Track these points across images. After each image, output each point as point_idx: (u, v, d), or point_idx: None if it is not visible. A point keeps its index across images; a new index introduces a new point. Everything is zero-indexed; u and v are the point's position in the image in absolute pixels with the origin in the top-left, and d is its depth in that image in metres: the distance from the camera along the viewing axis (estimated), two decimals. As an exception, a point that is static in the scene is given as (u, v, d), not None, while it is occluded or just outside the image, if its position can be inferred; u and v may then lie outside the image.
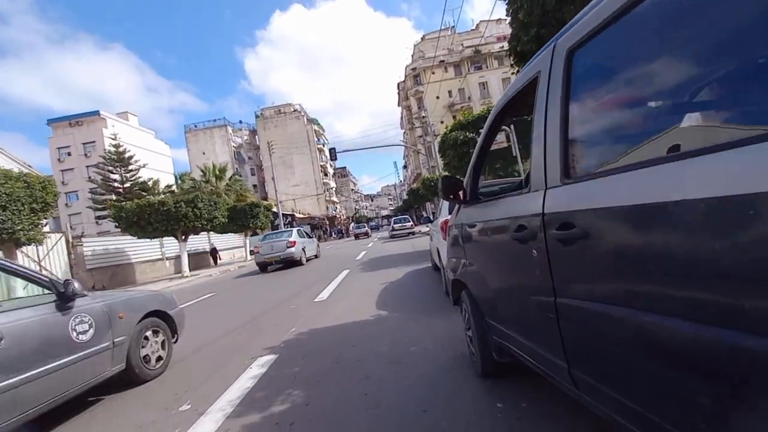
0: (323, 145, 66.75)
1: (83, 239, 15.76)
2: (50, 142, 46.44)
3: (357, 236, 35.71)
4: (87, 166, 42.54)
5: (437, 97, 47.35)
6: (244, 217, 21.54)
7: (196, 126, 64.54)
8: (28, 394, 2.27)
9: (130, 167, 31.94)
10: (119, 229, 15.68)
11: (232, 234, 24.58)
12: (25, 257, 13.37)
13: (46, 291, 2.74)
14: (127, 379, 3.23)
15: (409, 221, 25.50)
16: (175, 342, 3.87)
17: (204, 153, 60.59)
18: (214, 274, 16.52)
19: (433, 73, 47.16)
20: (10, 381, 2.16)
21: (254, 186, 64.54)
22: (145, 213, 15.15)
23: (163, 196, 20.08)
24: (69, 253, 15.12)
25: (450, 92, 48.11)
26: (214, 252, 24.12)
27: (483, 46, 47.33)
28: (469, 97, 48.92)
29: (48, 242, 14.37)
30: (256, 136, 65.59)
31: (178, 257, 20.96)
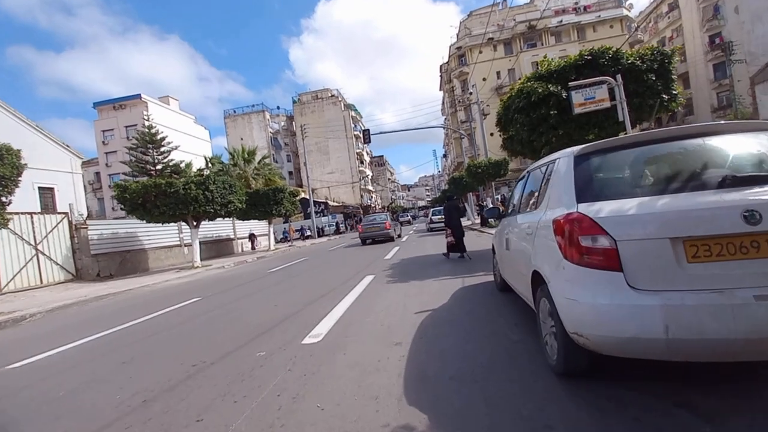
0: (360, 132, 64.54)
1: (89, 222, 14.36)
2: (95, 125, 47.60)
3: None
4: (127, 149, 43.12)
5: (484, 79, 43.39)
6: (266, 203, 19.62)
7: (235, 111, 64.64)
8: None
9: (162, 149, 31.23)
10: (124, 212, 14.15)
11: (255, 221, 22.87)
12: (19, 240, 12.01)
13: None
14: None
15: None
16: None
17: (242, 138, 60.30)
18: (227, 265, 14.64)
19: (481, 52, 42.98)
20: None
21: (290, 173, 63.83)
22: (151, 195, 13.42)
23: (174, 178, 18.51)
24: (72, 237, 13.75)
25: (498, 73, 43.94)
26: (252, 237, 24.63)
27: (539, 20, 42.58)
28: (520, 79, 44.36)
29: (47, 224, 13.00)
30: (293, 122, 64.53)
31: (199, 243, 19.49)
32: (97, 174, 49.26)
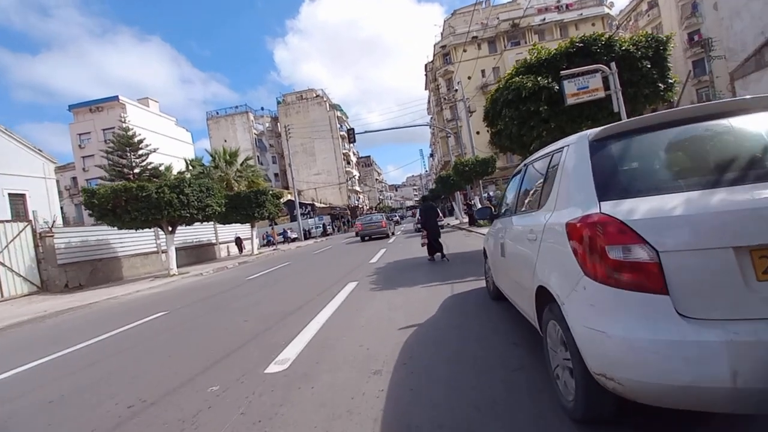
0: (346, 132, 63.92)
1: (54, 230, 13.44)
2: (71, 129, 45.83)
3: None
4: (104, 152, 41.71)
5: (468, 77, 43.31)
6: (248, 206, 18.88)
7: (218, 113, 63.27)
8: None
9: (140, 151, 30.09)
10: (93, 218, 13.27)
11: (239, 225, 22.06)
12: (-26, 251, 11.09)
13: None
14: None
15: (438, 213, 22.08)
16: None
17: (225, 141, 58.94)
18: (205, 272, 13.90)
19: (465, 50, 42.83)
20: None
21: (276, 174, 62.78)
22: (122, 199, 12.61)
23: (153, 181, 17.66)
24: (36, 246, 12.84)
25: (483, 72, 43.83)
26: (239, 241, 24.34)
27: (522, 19, 42.60)
28: (509, 70, 44.39)
29: (8, 233, 12.09)
30: (278, 123, 63.48)
31: (178, 249, 18.65)
32: (74, 179, 47.52)
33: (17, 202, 24.26)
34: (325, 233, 38.78)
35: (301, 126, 56.62)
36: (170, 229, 14.19)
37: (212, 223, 21.03)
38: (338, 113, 63.80)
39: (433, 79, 48.61)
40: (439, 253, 8.62)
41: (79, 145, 45.71)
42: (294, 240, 34.08)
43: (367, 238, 19.47)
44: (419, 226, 21.57)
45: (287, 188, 50.47)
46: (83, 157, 45.44)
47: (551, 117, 6.53)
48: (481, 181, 19.44)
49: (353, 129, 22.59)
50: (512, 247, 2.93)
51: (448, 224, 23.58)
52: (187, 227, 17.97)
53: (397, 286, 6.14)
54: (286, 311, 5.32)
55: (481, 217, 4.16)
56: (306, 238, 34.93)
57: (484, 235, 12.54)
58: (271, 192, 20.75)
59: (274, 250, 23.38)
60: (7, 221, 12.42)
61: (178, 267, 17.81)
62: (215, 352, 3.82)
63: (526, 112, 6.64)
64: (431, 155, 75.37)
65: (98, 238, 14.91)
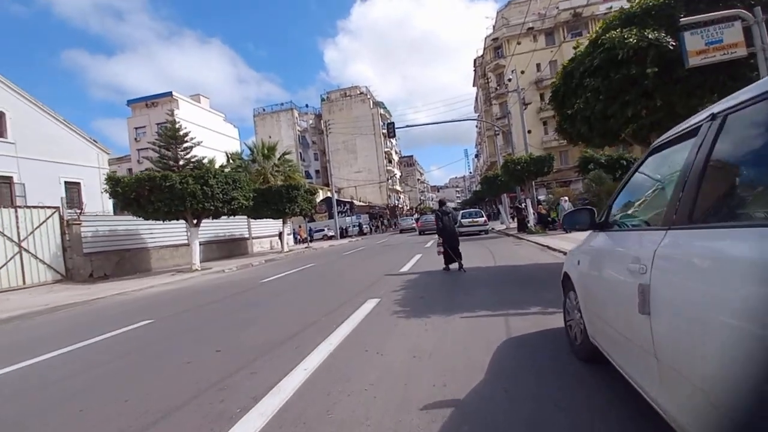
0: (386, 127, 62.77)
1: (82, 218, 13.20)
2: (128, 123, 48.42)
3: (422, 232, 26.38)
4: (151, 144, 43.73)
5: (522, 72, 40.33)
6: (279, 201, 18.01)
7: (264, 110, 64.60)
8: None
9: (185, 144, 30.58)
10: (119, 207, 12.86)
11: (271, 220, 21.35)
12: (0, 236, 10.89)
13: None
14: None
15: (482, 216, 20.02)
16: None
17: (270, 137, 59.97)
18: (228, 269, 13.06)
19: (519, 43, 39.88)
20: None
21: (317, 171, 63.00)
22: (145, 189, 12.03)
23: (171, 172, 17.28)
24: (63, 234, 12.61)
25: (538, 65, 40.66)
26: (281, 236, 23.41)
27: (585, 7, 38.95)
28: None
29: (34, 219, 11.88)
30: (322, 121, 63.67)
31: (206, 243, 18.22)
32: (130, 170, 50.17)
33: (72, 190, 25.26)
34: (361, 232, 37.71)
35: (344, 123, 56.18)
36: (195, 221, 13.52)
37: (245, 217, 20.50)
38: (381, 111, 62.70)
39: (482, 74, 45.99)
40: (456, 263, 7.75)
41: (135, 138, 48.17)
42: (330, 238, 33.30)
43: (426, 231, 24.75)
44: (462, 229, 19.80)
45: (327, 185, 50.17)
46: (138, 150, 47.78)
47: (657, 88, 4.61)
48: (534, 183, 17.20)
49: (393, 123, 21.18)
50: (675, 293, 1.27)
51: (493, 229, 21.42)
52: (219, 221, 17.42)
53: (428, 311, 4.54)
54: (276, 341, 3.91)
55: (572, 223, 2.47)
56: (342, 237, 34.01)
57: (540, 245, 10.50)
58: (304, 187, 19.78)
59: (306, 247, 22.50)
60: (34, 207, 12.26)
61: (205, 261, 17.32)
62: (143, 411, 2.46)
63: (620, 82, 4.75)
64: (476, 156, 72.24)
65: (127, 228, 14.60)
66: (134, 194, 12.04)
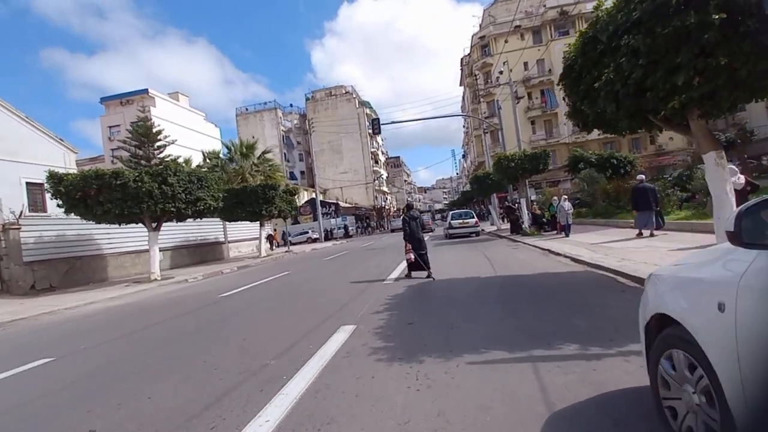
0: (371, 123, 61.63)
1: (22, 221, 11.51)
2: (102, 121, 45.96)
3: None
4: (120, 142, 41.64)
5: (510, 70, 39.67)
6: (254, 202, 16.52)
7: (247, 109, 62.66)
8: None
9: (158, 143, 28.75)
10: (61, 209, 11.20)
11: (248, 222, 19.78)
12: None
13: None
14: None
15: (473, 216, 18.87)
16: None
17: (253, 137, 58.21)
18: (192, 278, 11.55)
19: (506, 41, 39.14)
20: None
21: (302, 172, 61.34)
22: (93, 188, 10.46)
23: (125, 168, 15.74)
24: (-3, 240, 10.93)
25: (526, 64, 40.11)
26: (270, 238, 23.83)
27: (572, 6, 38.47)
28: (550, 70, 40.63)
29: (-41, 223, 10.18)
30: (306, 121, 62.09)
31: (175, 248, 16.62)
32: (102, 171, 47.66)
33: (35, 191, 23.34)
34: (347, 235, 36.32)
35: (329, 123, 54.74)
36: (154, 225, 11.97)
37: (219, 220, 18.94)
38: (368, 110, 61.42)
39: (470, 73, 45.18)
40: (422, 272, 7.25)
41: (109, 138, 45.72)
42: (314, 240, 31.80)
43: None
44: (452, 231, 18.58)
45: (312, 186, 48.61)
46: (112, 150, 45.41)
47: (719, 45, 3.44)
48: (527, 182, 16.14)
49: (378, 119, 19.92)
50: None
51: (483, 230, 20.32)
52: (188, 223, 15.83)
53: (419, 350, 3.26)
54: (189, 410, 2.57)
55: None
56: (327, 239, 32.54)
57: (540, 249, 9.30)
58: (283, 187, 18.33)
59: (286, 251, 21.00)
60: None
61: (174, 268, 15.73)
62: None
63: (670, 38, 3.55)
64: (464, 156, 71.61)
65: (79, 233, 12.93)
66: (80, 194, 10.46)
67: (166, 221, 12.46)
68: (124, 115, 46.06)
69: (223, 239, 20.95)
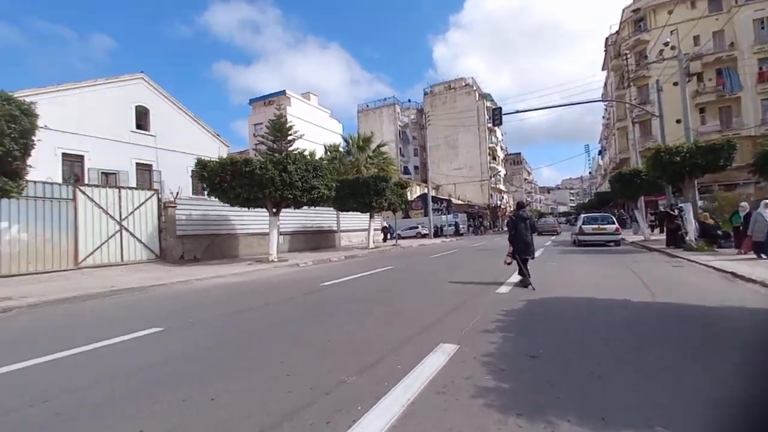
0: (491, 115, 58.13)
1: (178, 200, 13.59)
2: (249, 120, 53.54)
3: (540, 233, 27.50)
4: (259, 137, 47.26)
5: (672, 48, 32.67)
6: (365, 193, 16.65)
7: (367, 105, 65.67)
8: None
9: (289, 137, 31.97)
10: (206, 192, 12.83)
11: (359, 213, 20.21)
12: (104, 214, 11.52)
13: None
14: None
15: (612, 222, 15.72)
16: None
17: (372, 132, 60.90)
18: (303, 263, 12.07)
19: (670, 12, 32.11)
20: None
21: (416, 167, 61.65)
22: (227, 173, 11.66)
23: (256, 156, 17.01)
24: (159, 216, 13.09)
25: (696, 38, 32.49)
26: (385, 230, 25.00)
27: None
28: (732, 44, 32.21)
29: (135, 200, 12.45)
30: (423, 116, 62.08)
31: (293, 233, 17.90)
32: (247, 163, 55.46)
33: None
34: (457, 233, 34.88)
35: (446, 116, 53.51)
36: (274, 210, 12.86)
37: (333, 209, 19.82)
38: (488, 103, 58.12)
39: (617, 54, 38.64)
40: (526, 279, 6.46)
41: (254, 134, 52.99)
42: (424, 236, 31.36)
43: (544, 233, 25.34)
44: (582, 238, 15.67)
45: (425, 182, 48.37)
46: (255, 144, 52.76)
47: None
48: (696, 182, 12.49)
49: (500, 108, 18.11)
50: None
51: (624, 240, 16.82)
52: (305, 211, 16.87)
53: (551, 407, 2.18)
54: (253, 420, 2.05)
55: None
56: (436, 236, 31.75)
57: (719, 270, 6.80)
58: (393, 180, 18.14)
59: (394, 245, 20.92)
60: (134, 188, 12.91)
61: (291, 251, 16.89)
62: None
63: None
64: (600, 152, 62.42)
65: (218, 213, 14.78)
66: (218, 178, 11.78)
67: (284, 207, 13.30)
68: (265, 114, 52.72)
69: (336, 228, 21.95)
